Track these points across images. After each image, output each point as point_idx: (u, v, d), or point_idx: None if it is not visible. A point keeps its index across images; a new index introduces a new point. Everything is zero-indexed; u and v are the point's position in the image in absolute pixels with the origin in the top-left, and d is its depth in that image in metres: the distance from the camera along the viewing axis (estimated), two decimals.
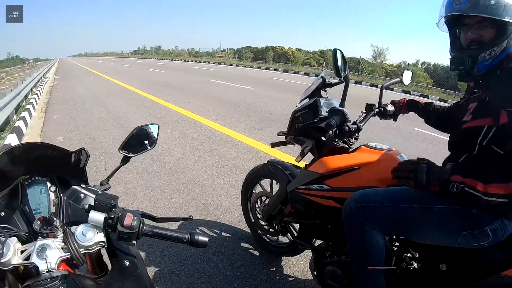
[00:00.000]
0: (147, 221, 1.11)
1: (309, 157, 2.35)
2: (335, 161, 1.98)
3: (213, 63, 39.89)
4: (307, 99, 2.37)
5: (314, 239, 2.43)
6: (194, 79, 20.04)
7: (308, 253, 2.86)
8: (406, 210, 1.60)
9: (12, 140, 7.09)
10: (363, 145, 2.01)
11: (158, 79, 20.26)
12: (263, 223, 2.96)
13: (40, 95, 15.22)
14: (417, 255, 1.81)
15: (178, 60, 48.81)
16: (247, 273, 2.81)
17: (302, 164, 2.49)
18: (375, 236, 1.68)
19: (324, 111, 2.18)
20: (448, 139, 1.70)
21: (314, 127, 2.18)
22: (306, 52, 65.48)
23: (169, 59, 52.43)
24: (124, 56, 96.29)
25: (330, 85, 2.31)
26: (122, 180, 4.59)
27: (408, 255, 1.83)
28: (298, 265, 2.88)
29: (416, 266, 1.82)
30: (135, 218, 1.05)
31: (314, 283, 2.58)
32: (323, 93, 2.34)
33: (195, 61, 44.63)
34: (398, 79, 2.54)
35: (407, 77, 2.50)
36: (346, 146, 2.15)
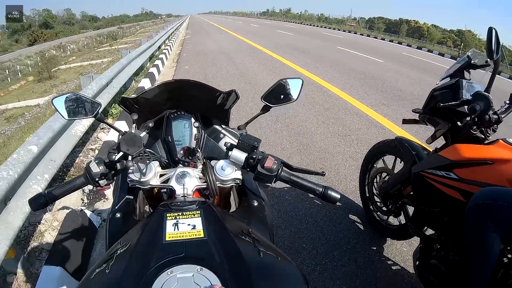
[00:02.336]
0: (284, 168, 1.15)
1: (440, 141, 2.21)
2: (469, 151, 1.84)
3: (343, 30, 38.26)
4: (449, 78, 2.20)
5: (426, 228, 2.29)
6: (322, 44, 19.61)
7: (413, 242, 2.78)
8: None
9: (145, 83, 7.94)
10: (501, 139, 1.81)
11: (287, 41, 20.24)
12: (377, 199, 2.91)
13: (172, 47, 16.39)
14: None
15: (307, 25, 47.89)
16: (349, 245, 2.83)
17: (430, 148, 2.36)
18: (494, 239, 1.56)
19: (465, 94, 2.00)
20: None
21: (453, 109, 2.04)
22: (443, 30, 59.45)
23: (298, 23, 51.73)
24: (252, 16, 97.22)
25: (476, 66, 2.09)
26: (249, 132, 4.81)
27: None
28: (401, 251, 2.79)
29: None
30: (276, 162, 1.11)
31: (412, 273, 2.53)
32: (466, 74, 2.14)
33: (324, 27, 43.27)
34: None
35: None
36: (482, 136, 1.95)
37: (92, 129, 5.04)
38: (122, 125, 4.97)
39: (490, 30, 1.87)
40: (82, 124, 3.89)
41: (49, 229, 2.83)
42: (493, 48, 1.85)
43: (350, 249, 2.79)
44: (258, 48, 15.98)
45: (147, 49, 11.01)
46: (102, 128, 5.18)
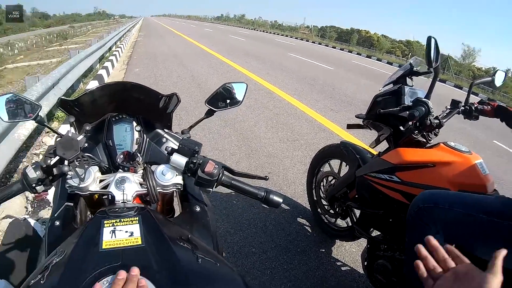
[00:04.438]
0: (225, 172, 1.14)
1: (383, 145, 2.28)
2: (411, 154, 1.90)
3: (295, 38, 39.15)
4: (391, 85, 2.27)
5: (372, 229, 2.38)
6: (274, 51, 19.89)
7: (362, 242, 2.84)
8: (476, 219, 1.48)
9: (93, 85, 7.58)
10: (442, 143, 1.89)
11: (239, 47, 20.38)
12: (324, 202, 2.95)
13: (124, 49, 15.99)
14: None
15: (260, 31, 48.62)
16: (299, 248, 2.85)
17: (375, 151, 2.42)
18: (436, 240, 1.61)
19: (407, 100, 2.07)
20: None
21: (395, 115, 2.08)
22: (392, 40, 61.95)
23: (252, 29, 52.36)
24: (206, 21, 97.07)
25: (417, 73, 2.18)
26: (193, 137, 4.73)
27: None
28: (350, 252, 2.86)
29: None
30: (216, 166, 1.09)
31: (361, 273, 2.57)
32: (408, 80, 2.22)
33: (277, 34, 44.10)
34: (490, 78, 2.32)
35: (499, 77, 2.30)
36: (424, 140, 2.05)
37: (37, 132, 4.78)
38: (67, 129, 4.71)
39: (429, 39, 1.92)
40: (25, 127, 3.69)
41: None
42: (432, 56, 1.91)
43: (300, 252, 2.81)
44: (210, 53, 15.92)
45: (97, 50, 10.71)
46: (47, 132, 4.92)
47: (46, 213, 3.10)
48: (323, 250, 2.86)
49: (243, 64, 12.56)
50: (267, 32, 47.86)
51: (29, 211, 3.20)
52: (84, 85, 8.02)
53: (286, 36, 40.78)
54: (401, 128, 2.07)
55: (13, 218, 2.76)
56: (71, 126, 1.16)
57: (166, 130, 1.49)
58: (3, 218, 2.90)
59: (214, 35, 29.32)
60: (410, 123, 1.99)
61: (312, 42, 35.85)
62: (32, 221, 2.73)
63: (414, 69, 2.18)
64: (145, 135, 1.40)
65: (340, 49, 30.99)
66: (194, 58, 13.91)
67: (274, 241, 2.91)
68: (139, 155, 1.26)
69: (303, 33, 50.55)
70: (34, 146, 4.57)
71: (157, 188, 1.11)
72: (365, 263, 2.23)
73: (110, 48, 14.38)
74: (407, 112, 1.92)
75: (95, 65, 10.33)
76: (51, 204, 3.13)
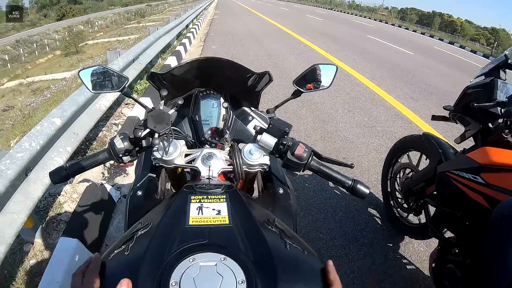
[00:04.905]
0: (313, 157, 1.11)
1: (469, 142, 2.12)
2: (500, 155, 1.73)
3: (374, 19, 37.59)
4: (483, 77, 2.10)
5: (446, 230, 2.22)
6: (352, 32, 19.22)
7: (431, 243, 2.73)
8: None
9: (172, 61, 7.94)
10: None
11: (316, 27, 19.95)
12: (399, 195, 2.84)
13: (200, 26, 16.29)
14: None
15: (337, 11, 47.12)
16: (366, 239, 2.79)
17: (459, 148, 2.26)
18: None
19: (500, 95, 1.89)
20: None
21: (486, 110, 1.92)
22: (476, 27, 57.31)
23: (328, 8, 50.83)
24: None
25: None
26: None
27: None
28: (418, 251, 2.73)
29: None
30: (307, 150, 1.07)
31: (426, 275, 2.47)
32: (502, 74, 2.04)
33: (355, 14, 42.62)
34: None
35: None
36: None
37: (116, 103, 5.08)
38: (147, 102, 4.95)
39: None
40: (107, 98, 3.91)
41: (68, 201, 2.88)
42: None
43: (367, 243, 2.75)
44: (287, 32, 15.80)
45: (175, 27, 10.99)
46: (127, 104, 5.22)
47: (121, 180, 3.31)
48: (390, 245, 2.77)
49: (320, 45, 12.30)
50: (344, 12, 46.42)
51: (106, 177, 3.42)
52: (163, 61, 8.36)
53: (364, 17, 39.30)
54: (491, 125, 1.91)
55: (90, 182, 2.97)
56: (161, 99, 1.16)
57: (252, 109, 1.49)
58: (80, 181, 3.13)
59: (291, 14, 28.92)
60: (501, 120, 1.83)
61: (392, 24, 34.40)
62: (108, 187, 2.94)
63: (509, 61, 1.99)
64: (231, 112, 1.40)
65: (421, 33, 29.31)
66: (270, 36, 13.90)
67: (343, 229, 2.87)
68: (227, 132, 1.28)
69: (382, 15, 48.58)
70: (114, 117, 4.85)
71: (243, 166, 1.10)
72: (433, 265, 2.11)
73: (187, 26, 14.72)
74: (503, 108, 1.76)
75: (173, 41, 10.67)
76: (127, 172, 3.35)
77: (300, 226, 2.83)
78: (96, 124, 3.87)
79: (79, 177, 3.17)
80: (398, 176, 2.90)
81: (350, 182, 1.08)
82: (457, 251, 1.97)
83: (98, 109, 3.67)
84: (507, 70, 2.04)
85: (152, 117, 1.06)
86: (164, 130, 1.06)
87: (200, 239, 0.76)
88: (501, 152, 1.75)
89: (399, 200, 2.84)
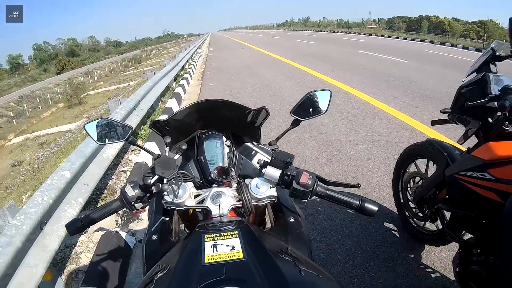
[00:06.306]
0: (319, 182, 1.13)
1: (473, 140, 2.09)
2: (503, 148, 1.72)
3: (363, 34, 38.43)
4: (474, 74, 2.11)
5: (464, 233, 2.18)
6: (344, 50, 19.52)
7: (453, 246, 2.67)
8: None
9: (172, 104, 8.12)
10: None
11: (308, 50, 20.31)
12: (412, 205, 2.80)
13: (196, 65, 16.71)
14: None
15: (326, 31, 48.07)
16: (386, 254, 2.75)
17: (463, 148, 2.24)
18: None
19: (494, 89, 1.89)
20: None
21: (483, 106, 1.92)
22: (464, 23, 58.12)
23: (318, 30, 51.88)
24: (272, 28, 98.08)
25: (501, 58, 2.00)
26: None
27: None
28: (440, 257, 2.68)
29: None
30: (311, 177, 1.09)
31: (452, 280, 2.42)
32: (492, 67, 2.04)
33: (344, 32, 43.52)
34: None
35: None
36: None
37: (123, 151, 5.16)
38: (152, 146, 5.07)
39: (511, 20, 1.77)
40: (113, 147, 4.00)
41: (84, 251, 2.89)
42: None
43: (388, 258, 2.71)
44: (280, 60, 16.12)
45: (171, 70, 11.26)
46: (133, 150, 5.29)
47: (135, 226, 3.33)
48: (412, 256, 2.73)
49: (314, 67, 12.51)
50: (334, 31, 47.26)
51: (120, 224, 3.44)
52: (163, 104, 8.50)
53: (354, 33, 40.23)
54: (490, 120, 1.91)
55: (105, 231, 3.00)
56: (166, 146, 1.20)
57: (254, 143, 1.52)
58: (95, 230, 3.15)
59: (282, 42, 29.46)
60: (500, 113, 1.81)
61: (381, 35, 35.07)
62: (123, 234, 2.96)
63: (497, 53, 2.00)
64: (235, 149, 1.44)
65: (412, 39, 29.73)
66: (265, 66, 14.17)
67: (361, 247, 2.84)
68: (233, 169, 1.31)
69: (371, 28, 49.42)
70: (121, 164, 4.91)
71: (252, 201, 1.13)
72: (457, 269, 2.06)
73: (183, 66, 15.06)
74: (496, 102, 1.77)
75: (171, 84, 10.89)
76: (140, 217, 3.37)
77: (318, 250, 2.81)
78: (105, 173, 3.91)
79: (93, 227, 3.18)
80: (408, 186, 2.88)
81: (357, 202, 1.10)
82: (478, 251, 1.95)
83: (105, 158, 3.74)
84: (496, 62, 2.05)
85: (159, 164, 1.12)
86: (172, 175, 1.10)
87: (218, 275, 0.78)
88: (504, 145, 1.75)
89: (413, 209, 2.81)
